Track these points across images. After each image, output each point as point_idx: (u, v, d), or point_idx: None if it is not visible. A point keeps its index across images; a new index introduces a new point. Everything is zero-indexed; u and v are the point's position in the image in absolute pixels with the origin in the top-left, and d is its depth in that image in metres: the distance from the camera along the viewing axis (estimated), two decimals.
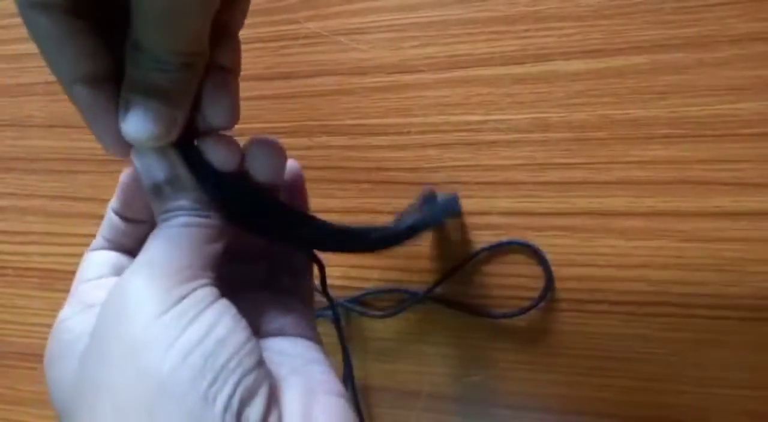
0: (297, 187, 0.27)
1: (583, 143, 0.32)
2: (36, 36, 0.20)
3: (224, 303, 0.21)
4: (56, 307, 0.42)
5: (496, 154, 0.34)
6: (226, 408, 0.18)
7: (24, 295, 0.44)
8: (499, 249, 0.34)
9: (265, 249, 0.27)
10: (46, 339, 0.43)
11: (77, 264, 0.41)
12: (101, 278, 0.24)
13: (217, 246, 0.22)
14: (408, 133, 0.35)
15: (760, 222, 0.31)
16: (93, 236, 0.41)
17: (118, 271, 0.23)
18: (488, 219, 0.34)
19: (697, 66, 0.31)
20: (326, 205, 0.37)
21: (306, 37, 0.36)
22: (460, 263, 0.35)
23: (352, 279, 0.37)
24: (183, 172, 0.22)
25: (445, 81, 0.34)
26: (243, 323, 0.21)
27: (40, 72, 0.42)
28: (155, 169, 0.22)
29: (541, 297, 0.33)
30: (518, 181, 0.34)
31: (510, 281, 0.34)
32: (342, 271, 0.37)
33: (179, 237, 0.21)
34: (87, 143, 0.41)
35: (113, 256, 0.25)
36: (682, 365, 0.33)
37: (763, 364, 0.31)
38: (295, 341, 0.24)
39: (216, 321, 0.20)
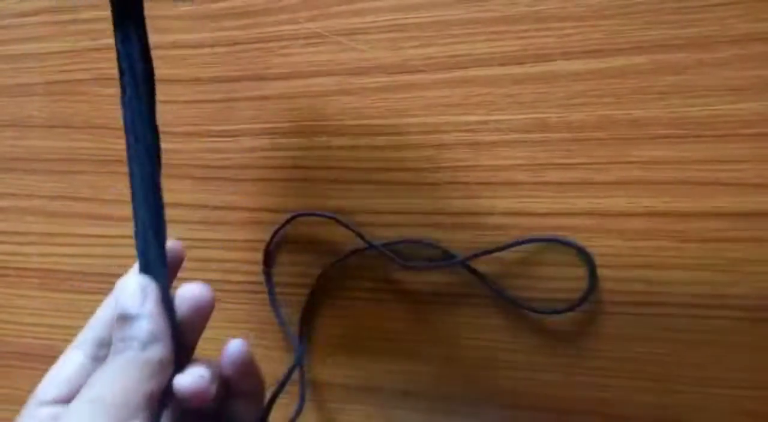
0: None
1: (583, 143, 0.32)
2: None
3: None
4: (56, 307, 0.43)
5: (496, 154, 0.34)
6: None
7: (24, 295, 0.44)
8: (539, 245, 0.34)
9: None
10: (46, 339, 0.43)
11: (77, 264, 0.42)
12: (57, 404, 0.26)
13: (154, 384, 0.24)
14: (407, 133, 0.35)
15: (760, 222, 0.31)
16: (93, 236, 0.42)
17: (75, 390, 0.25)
18: (488, 219, 0.34)
19: (697, 66, 0.31)
20: (326, 205, 0.37)
21: (306, 37, 0.36)
22: (502, 246, 0.34)
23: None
24: (150, 310, 0.25)
25: (445, 81, 0.34)
26: None
27: (39, 72, 0.42)
28: (128, 302, 0.25)
29: (583, 299, 0.33)
30: (518, 181, 0.34)
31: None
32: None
33: (122, 375, 0.24)
34: (87, 143, 0.41)
35: (84, 365, 0.27)
36: (681, 365, 0.33)
37: (762, 364, 0.31)
38: None
39: None
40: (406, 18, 0.34)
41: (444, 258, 0.35)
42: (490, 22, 0.33)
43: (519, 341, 0.35)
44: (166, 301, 0.26)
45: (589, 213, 0.33)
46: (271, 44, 0.37)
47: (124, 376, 0.24)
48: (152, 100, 0.28)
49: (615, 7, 0.31)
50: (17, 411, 0.44)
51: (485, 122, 0.34)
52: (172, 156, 0.39)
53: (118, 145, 0.41)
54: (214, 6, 0.38)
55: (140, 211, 0.27)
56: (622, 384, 0.33)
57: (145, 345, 0.24)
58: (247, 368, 0.27)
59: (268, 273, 0.38)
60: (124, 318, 0.25)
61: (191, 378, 0.25)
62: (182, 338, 0.26)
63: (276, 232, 0.37)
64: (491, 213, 0.34)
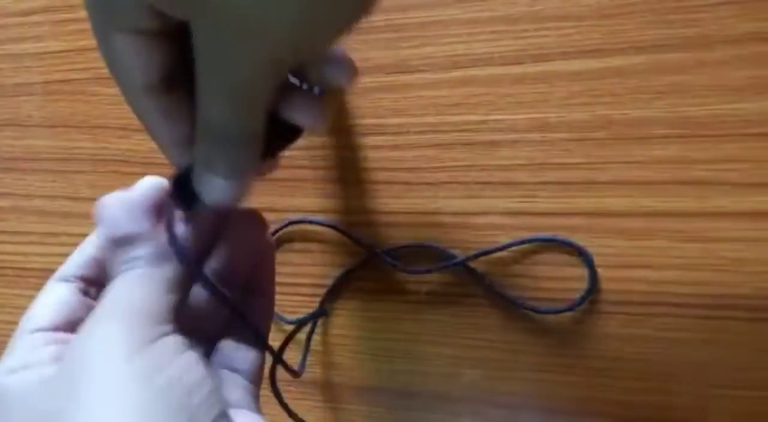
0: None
1: (582, 143, 0.32)
2: (142, 113, 0.22)
3: (193, 353, 0.21)
4: None
5: (496, 154, 0.34)
6: None
7: (23, 295, 0.44)
8: (539, 245, 0.34)
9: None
10: None
11: None
12: (55, 331, 0.23)
13: (174, 298, 0.22)
14: (407, 133, 0.35)
15: (760, 222, 0.31)
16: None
17: (72, 322, 0.23)
18: (487, 219, 0.34)
19: (696, 66, 0.31)
20: (326, 205, 0.37)
21: None
22: (501, 246, 0.34)
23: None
24: (146, 228, 0.22)
25: (444, 81, 0.34)
26: (209, 371, 0.21)
27: (38, 71, 0.42)
28: (119, 223, 0.22)
29: (583, 299, 0.33)
30: (517, 181, 0.34)
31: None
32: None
33: (141, 286, 0.21)
34: (86, 143, 0.41)
35: (74, 296, 0.24)
36: (681, 365, 0.33)
37: (763, 364, 0.31)
38: (236, 412, 0.23)
39: (182, 372, 0.20)
40: (406, 18, 0.34)
41: (444, 259, 0.35)
42: (489, 21, 0.33)
43: (518, 341, 0.35)
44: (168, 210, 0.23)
45: (589, 213, 0.33)
46: None
47: (144, 286, 0.21)
48: None
49: (614, 6, 0.31)
50: None
51: (484, 122, 0.34)
52: None
53: (117, 144, 0.41)
54: None
55: None
56: (621, 385, 0.33)
57: (155, 263, 0.22)
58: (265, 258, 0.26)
59: None
60: (119, 243, 0.22)
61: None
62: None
63: (275, 233, 0.37)
64: (491, 213, 0.34)
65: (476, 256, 0.34)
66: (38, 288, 0.42)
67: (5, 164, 0.43)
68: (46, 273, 0.42)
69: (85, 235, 0.42)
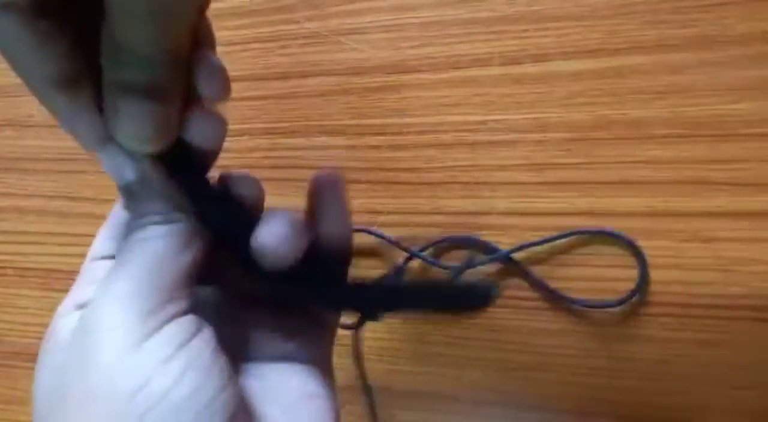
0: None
1: (582, 143, 0.32)
2: (1, 40, 0.17)
3: (202, 340, 0.19)
4: (56, 307, 0.43)
5: (495, 154, 0.34)
6: None
7: (24, 295, 0.44)
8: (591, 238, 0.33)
9: None
10: None
11: (77, 264, 0.41)
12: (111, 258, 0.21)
13: (194, 254, 0.20)
14: (407, 133, 0.35)
15: (760, 222, 0.31)
16: (92, 236, 0.41)
17: None
18: (487, 219, 0.34)
19: (696, 66, 0.31)
20: None
21: (305, 37, 0.36)
22: (544, 239, 0.33)
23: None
24: (153, 171, 0.20)
25: (444, 81, 0.34)
26: (221, 363, 0.19)
27: None
28: (125, 168, 0.20)
29: (632, 295, 0.32)
30: (517, 181, 0.34)
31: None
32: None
33: (152, 252, 0.20)
34: None
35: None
36: (682, 365, 0.33)
37: (763, 364, 0.31)
38: (298, 369, 0.22)
39: (190, 364, 0.18)
40: (406, 18, 0.34)
41: (486, 252, 0.34)
42: (489, 22, 0.33)
43: (517, 341, 0.35)
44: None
45: (589, 213, 0.33)
46: (270, 44, 0.37)
47: (152, 252, 0.19)
48: None
49: (614, 7, 0.31)
50: (17, 412, 0.44)
51: (484, 122, 0.34)
52: None
53: None
54: (214, 6, 0.37)
55: None
56: (622, 384, 0.33)
57: (167, 217, 0.20)
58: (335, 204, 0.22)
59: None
60: (129, 192, 0.20)
61: (272, 227, 0.20)
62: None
63: None
64: (490, 213, 0.34)
65: (519, 249, 0.33)
66: (38, 288, 0.43)
67: (5, 164, 0.43)
68: (46, 272, 0.43)
69: (84, 235, 0.42)
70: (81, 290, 0.21)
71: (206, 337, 0.19)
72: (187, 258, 0.20)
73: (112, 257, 0.21)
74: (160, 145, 0.19)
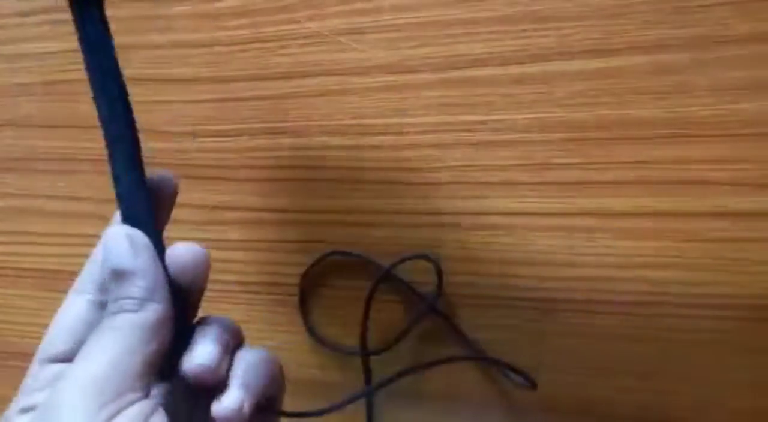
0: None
1: (582, 143, 0.32)
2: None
3: (158, 417, 0.21)
4: (55, 308, 0.42)
5: (495, 154, 0.34)
6: None
7: (23, 295, 0.44)
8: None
9: None
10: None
11: (76, 263, 0.41)
12: (63, 362, 0.24)
13: (160, 343, 0.22)
14: (407, 133, 0.35)
15: (760, 222, 0.31)
16: (92, 236, 0.41)
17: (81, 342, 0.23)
18: (487, 219, 0.34)
19: (697, 66, 0.31)
20: (325, 205, 0.37)
21: (305, 37, 0.36)
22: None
23: None
24: (144, 264, 0.23)
25: (444, 81, 0.34)
26: None
27: (38, 72, 0.42)
28: (120, 256, 0.23)
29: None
30: (517, 181, 0.34)
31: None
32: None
33: (121, 343, 0.22)
34: (85, 143, 0.41)
35: (88, 311, 0.25)
36: (682, 365, 0.33)
37: (763, 364, 0.31)
38: None
39: None
40: (406, 18, 0.34)
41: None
42: (489, 21, 0.33)
43: (515, 342, 0.35)
44: (159, 253, 0.24)
45: (589, 213, 0.33)
46: (270, 44, 0.37)
47: (118, 343, 0.22)
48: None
49: (614, 6, 0.31)
50: None
51: (484, 122, 0.34)
52: (171, 156, 0.39)
53: None
54: (214, 5, 0.38)
55: (115, 149, 0.25)
56: (622, 384, 0.33)
57: (141, 303, 0.22)
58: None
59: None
60: (115, 275, 0.23)
61: (195, 362, 0.23)
62: (180, 295, 0.24)
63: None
64: (491, 214, 0.34)
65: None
66: (38, 288, 0.43)
67: (5, 164, 0.43)
68: (45, 273, 0.43)
69: (84, 235, 0.42)
70: (28, 396, 0.23)
71: (160, 418, 0.21)
72: (152, 348, 0.22)
73: (64, 360, 0.23)
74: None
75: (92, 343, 0.22)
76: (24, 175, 0.43)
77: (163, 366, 0.23)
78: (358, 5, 0.35)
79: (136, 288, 0.22)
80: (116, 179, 0.25)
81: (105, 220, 0.41)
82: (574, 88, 0.32)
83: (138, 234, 0.23)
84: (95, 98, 0.25)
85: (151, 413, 0.21)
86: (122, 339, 0.22)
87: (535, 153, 0.33)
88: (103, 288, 0.24)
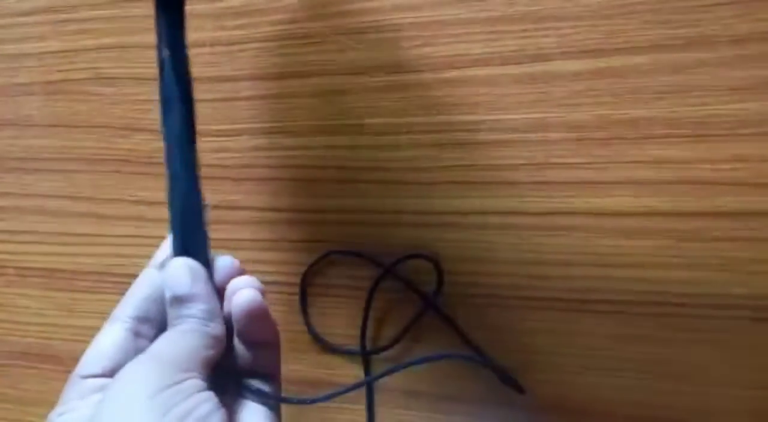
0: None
1: (582, 143, 0.32)
2: None
3: (208, 394, 0.24)
4: (56, 306, 0.43)
5: (495, 154, 0.34)
6: None
7: (24, 295, 0.44)
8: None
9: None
10: (46, 338, 0.43)
11: (77, 263, 0.42)
12: (103, 377, 0.26)
13: (212, 353, 0.26)
14: (407, 132, 0.35)
15: (760, 221, 0.31)
16: (92, 235, 0.42)
17: (122, 365, 0.25)
18: (487, 218, 0.34)
19: (696, 66, 0.31)
20: (326, 204, 0.37)
21: (306, 36, 0.36)
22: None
23: None
24: (203, 290, 0.26)
25: (444, 81, 0.34)
26: (221, 412, 0.23)
27: (38, 71, 0.42)
28: (181, 284, 0.26)
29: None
30: (517, 180, 0.34)
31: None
32: None
33: (183, 340, 0.25)
34: (86, 143, 0.41)
35: (126, 339, 0.27)
36: (682, 364, 0.33)
37: (763, 364, 0.31)
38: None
39: (196, 406, 0.23)
40: (406, 18, 0.34)
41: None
42: (489, 22, 0.33)
43: (511, 340, 0.35)
44: (212, 280, 0.27)
45: (589, 213, 0.33)
46: (270, 44, 0.37)
47: (186, 340, 0.25)
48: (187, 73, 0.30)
49: (614, 6, 0.31)
50: (16, 410, 0.44)
51: (484, 122, 0.34)
52: None
53: (117, 144, 0.41)
54: (214, 5, 0.38)
55: (178, 187, 0.29)
56: (622, 384, 0.33)
57: (204, 322, 0.26)
58: (260, 318, 0.27)
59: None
60: (178, 301, 0.26)
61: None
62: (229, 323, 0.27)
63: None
64: (491, 213, 0.34)
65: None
66: (39, 287, 0.43)
67: (6, 164, 0.43)
68: (46, 272, 0.43)
69: (84, 234, 0.42)
70: (66, 404, 0.25)
71: (210, 393, 0.24)
72: (211, 354, 0.25)
73: (102, 375, 0.26)
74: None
75: (161, 338, 0.25)
76: (25, 174, 0.43)
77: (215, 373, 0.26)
78: (358, 5, 0.35)
79: (197, 310, 0.26)
80: (176, 207, 0.29)
81: (105, 219, 0.41)
82: (574, 88, 0.32)
83: (195, 265, 0.27)
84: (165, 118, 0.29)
85: (201, 389, 0.23)
86: (190, 338, 0.25)
87: (535, 152, 0.33)
88: (141, 319, 0.27)
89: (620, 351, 0.33)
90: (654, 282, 0.32)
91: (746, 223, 0.31)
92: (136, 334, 0.27)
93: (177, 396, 0.22)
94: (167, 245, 0.29)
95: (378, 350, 0.37)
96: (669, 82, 0.31)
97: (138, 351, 0.26)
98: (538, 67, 0.33)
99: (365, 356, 0.37)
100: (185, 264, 0.27)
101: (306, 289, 0.38)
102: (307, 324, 0.38)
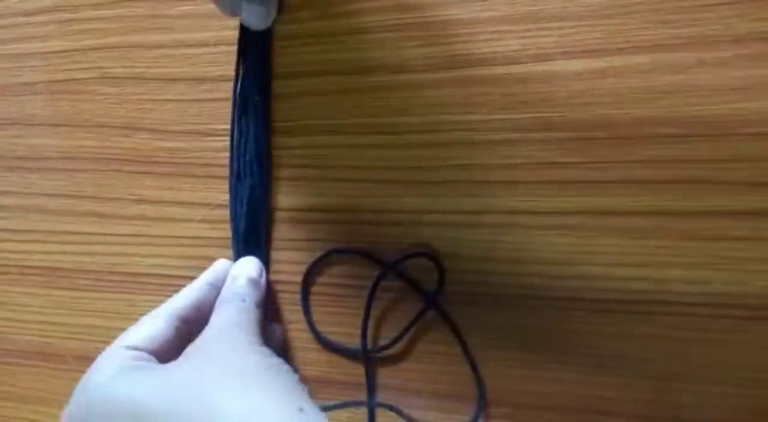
0: None
1: (583, 143, 0.33)
2: None
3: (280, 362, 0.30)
4: (58, 305, 0.43)
5: (497, 153, 0.34)
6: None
7: (26, 293, 0.44)
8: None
9: None
10: (47, 337, 0.43)
11: (79, 262, 0.42)
12: (141, 351, 0.30)
13: (262, 320, 0.34)
14: (408, 132, 0.35)
15: (760, 221, 0.31)
16: (95, 234, 0.42)
17: (160, 351, 0.30)
18: (488, 217, 0.34)
19: (697, 65, 0.31)
20: (326, 203, 0.37)
21: (306, 36, 0.36)
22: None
23: None
24: (263, 283, 0.36)
25: (445, 80, 0.34)
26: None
27: (42, 71, 0.42)
28: (256, 274, 0.36)
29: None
30: (519, 179, 0.34)
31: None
32: None
33: (245, 310, 0.33)
34: (89, 142, 0.41)
35: (170, 330, 0.32)
36: (682, 363, 0.33)
37: (763, 363, 0.32)
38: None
39: (281, 361, 0.30)
40: (407, 17, 0.35)
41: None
42: (490, 21, 0.33)
43: (512, 339, 0.35)
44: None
45: (589, 212, 0.33)
46: (272, 43, 0.37)
47: (246, 313, 0.33)
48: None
49: (615, 6, 0.31)
50: (17, 409, 0.44)
51: (486, 121, 0.34)
52: (175, 155, 0.40)
53: (120, 143, 0.41)
54: (214, 5, 0.38)
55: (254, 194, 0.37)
56: (622, 383, 0.33)
57: (258, 303, 0.34)
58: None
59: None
60: (251, 282, 0.35)
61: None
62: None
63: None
64: (491, 212, 0.34)
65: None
66: (41, 286, 0.43)
67: (9, 163, 0.43)
68: (49, 270, 0.43)
69: (87, 234, 0.42)
70: (135, 334, 0.30)
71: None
72: (260, 318, 0.34)
73: (144, 350, 0.30)
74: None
75: (227, 309, 0.33)
76: (28, 173, 0.43)
77: None
78: (359, 5, 0.35)
79: (258, 293, 0.35)
80: (241, 219, 0.38)
81: (107, 218, 0.41)
82: (575, 88, 0.32)
83: (259, 263, 0.37)
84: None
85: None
86: (245, 309, 0.33)
87: (536, 152, 0.33)
88: (183, 320, 0.32)
89: (620, 350, 0.33)
90: (654, 281, 0.32)
91: (746, 223, 0.31)
92: (177, 331, 0.31)
93: (266, 350, 0.30)
94: (220, 265, 0.37)
95: (379, 349, 0.37)
96: (669, 81, 0.31)
97: (176, 344, 0.31)
98: (540, 67, 0.33)
99: (366, 354, 0.37)
100: (257, 261, 0.37)
101: (307, 288, 0.38)
102: (309, 322, 0.38)
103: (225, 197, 0.39)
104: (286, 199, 0.38)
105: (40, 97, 0.42)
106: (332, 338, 0.38)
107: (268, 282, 0.38)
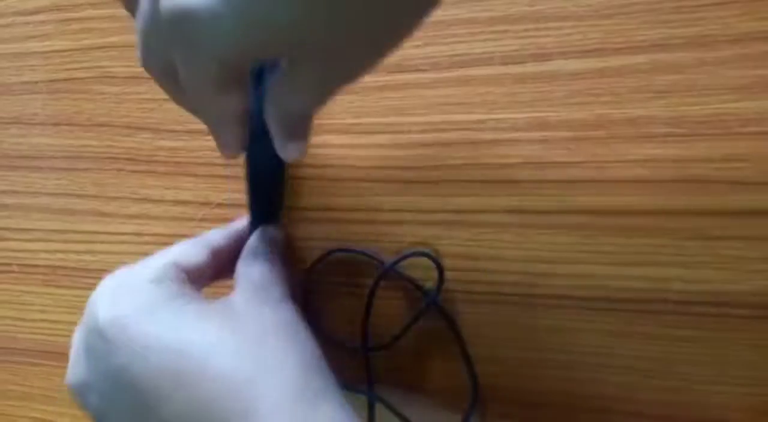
0: None
1: (582, 142, 0.33)
2: (217, 111, 0.27)
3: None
4: (61, 304, 0.43)
5: (496, 153, 0.34)
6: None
7: (30, 292, 0.44)
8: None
9: None
10: (52, 335, 0.44)
11: (81, 260, 0.42)
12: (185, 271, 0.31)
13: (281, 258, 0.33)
14: (408, 131, 0.35)
15: (760, 220, 0.31)
16: (97, 233, 0.42)
17: (194, 271, 0.32)
18: (488, 217, 0.34)
19: (696, 65, 0.31)
20: (326, 203, 0.37)
21: None
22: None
23: None
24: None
25: (445, 80, 0.34)
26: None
27: (43, 70, 0.42)
28: (277, 235, 0.35)
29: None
30: (518, 179, 0.34)
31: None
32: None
33: (275, 263, 0.32)
34: (91, 141, 0.42)
35: (204, 257, 0.32)
36: (682, 363, 0.33)
37: (763, 363, 0.32)
38: None
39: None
40: None
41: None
42: (490, 21, 0.33)
43: (512, 338, 0.35)
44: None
45: (589, 212, 0.33)
46: None
47: (277, 266, 0.32)
48: None
49: (614, 6, 0.31)
50: (21, 407, 0.45)
51: (485, 121, 0.34)
52: (175, 154, 0.40)
53: (121, 142, 0.41)
54: None
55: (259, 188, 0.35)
56: (622, 381, 0.34)
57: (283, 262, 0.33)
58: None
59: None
60: (273, 242, 0.34)
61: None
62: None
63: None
64: (491, 212, 0.34)
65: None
66: (44, 284, 0.43)
67: (11, 162, 0.44)
68: (51, 269, 0.43)
69: (89, 232, 0.42)
70: (185, 248, 0.32)
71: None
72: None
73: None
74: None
75: (258, 263, 0.32)
76: (29, 172, 0.43)
77: None
78: None
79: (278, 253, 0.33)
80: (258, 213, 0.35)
81: (109, 217, 0.42)
82: (575, 87, 0.32)
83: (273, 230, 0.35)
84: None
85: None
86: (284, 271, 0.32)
87: (535, 151, 0.33)
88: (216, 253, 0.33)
89: (620, 350, 0.33)
90: (654, 280, 0.32)
91: (746, 222, 0.31)
92: (211, 257, 0.32)
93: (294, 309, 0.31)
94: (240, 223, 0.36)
95: (379, 347, 0.37)
96: (668, 81, 0.31)
97: (209, 269, 0.32)
98: (539, 67, 0.33)
99: (366, 353, 0.37)
100: (274, 228, 0.35)
101: (307, 287, 0.38)
102: (309, 321, 0.38)
103: (225, 196, 0.39)
104: (286, 198, 0.38)
105: (41, 97, 0.42)
106: (332, 336, 0.38)
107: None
